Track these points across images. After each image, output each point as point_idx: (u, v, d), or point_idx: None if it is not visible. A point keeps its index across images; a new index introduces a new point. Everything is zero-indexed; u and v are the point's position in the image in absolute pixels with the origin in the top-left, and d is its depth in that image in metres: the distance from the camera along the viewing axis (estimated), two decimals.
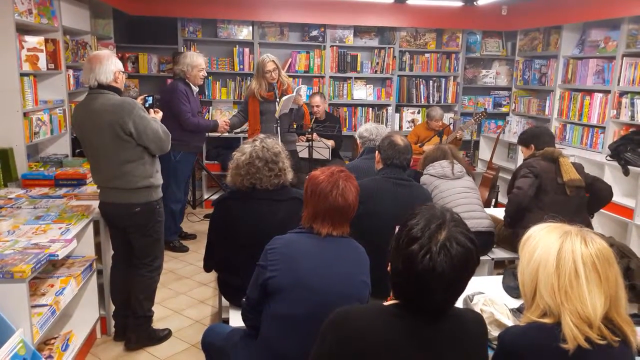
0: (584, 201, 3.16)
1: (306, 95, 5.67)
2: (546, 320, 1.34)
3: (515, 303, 2.12)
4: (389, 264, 1.35)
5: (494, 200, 4.91)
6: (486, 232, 3.12)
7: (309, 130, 4.42)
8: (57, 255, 2.28)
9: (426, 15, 5.90)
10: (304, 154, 4.55)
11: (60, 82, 3.91)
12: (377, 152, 2.88)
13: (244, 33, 5.88)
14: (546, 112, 5.65)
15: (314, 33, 5.98)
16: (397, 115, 6.31)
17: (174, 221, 4.50)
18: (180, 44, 5.74)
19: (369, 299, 1.89)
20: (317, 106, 5.30)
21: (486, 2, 5.54)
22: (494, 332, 1.75)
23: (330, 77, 6.05)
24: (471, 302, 1.97)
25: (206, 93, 5.87)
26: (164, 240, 3.06)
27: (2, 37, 3.16)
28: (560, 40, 5.37)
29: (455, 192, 3.17)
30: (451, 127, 5.78)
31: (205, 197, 5.85)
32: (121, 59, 5.51)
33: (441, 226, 1.27)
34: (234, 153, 2.55)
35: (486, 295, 1.98)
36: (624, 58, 4.57)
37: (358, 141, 3.65)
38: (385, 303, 1.39)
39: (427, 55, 6.25)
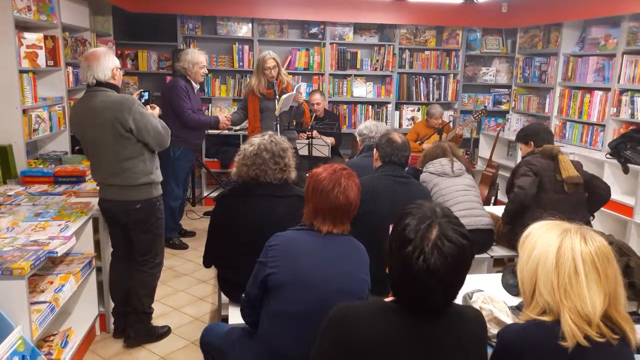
0: (582, 199, 3.16)
1: (306, 93, 5.67)
2: (545, 318, 1.34)
3: (515, 301, 2.12)
4: (387, 265, 1.36)
5: (493, 198, 4.91)
6: (486, 229, 3.12)
7: (309, 127, 4.41)
8: (56, 252, 2.27)
9: (426, 12, 5.89)
10: (303, 151, 4.54)
11: (60, 79, 3.91)
12: (375, 149, 2.88)
13: (244, 30, 5.87)
14: (546, 110, 5.65)
15: (314, 30, 5.97)
16: (397, 112, 6.30)
17: (173, 218, 4.49)
18: (180, 41, 5.73)
19: (368, 296, 1.90)
20: (317, 104, 5.29)
21: (486, 0, 5.52)
22: (493, 330, 1.75)
23: (330, 74, 6.05)
24: (470, 299, 1.97)
25: (206, 90, 5.87)
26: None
27: (1, 34, 3.15)
28: (561, 38, 5.37)
29: (455, 189, 3.17)
30: (451, 124, 5.78)
31: (205, 194, 5.85)
32: (120, 56, 5.57)
33: (431, 224, 1.27)
34: (242, 146, 2.58)
35: (485, 293, 1.98)
36: (624, 56, 4.57)
37: (358, 139, 3.65)
38: (386, 300, 1.39)
39: (427, 52, 6.24)
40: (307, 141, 4.46)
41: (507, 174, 3.34)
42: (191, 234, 4.83)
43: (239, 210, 2.49)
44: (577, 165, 3.19)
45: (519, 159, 4.68)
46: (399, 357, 1.30)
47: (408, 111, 6.35)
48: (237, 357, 1.95)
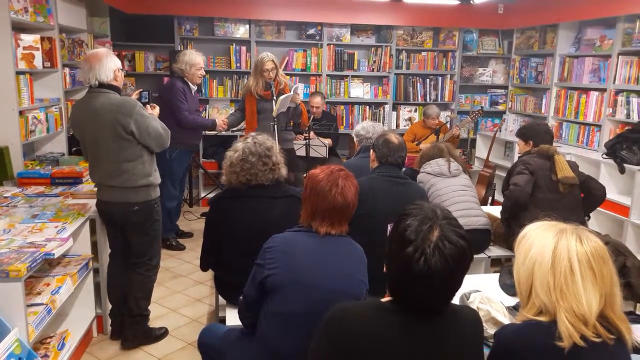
0: (578, 199, 3.17)
1: (304, 94, 5.67)
2: (542, 318, 1.34)
3: (512, 301, 2.12)
4: (385, 265, 1.36)
5: (490, 198, 4.92)
6: (483, 230, 3.13)
7: (307, 129, 4.41)
8: (53, 254, 2.27)
9: (423, 13, 5.90)
10: (301, 152, 4.55)
11: (57, 80, 3.90)
12: (371, 150, 2.89)
13: (241, 31, 5.87)
14: (542, 110, 5.66)
15: (311, 31, 5.98)
16: (394, 113, 6.31)
17: (170, 219, 4.49)
18: (177, 42, 5.73)
19: (365, 297, 1.90)
20: (317, 107, 5.30)
21: (483, 1, 5.54)
22: (490, 330, 1.76)
23: (327, 75, 6.05)
24: (468, 300, 1.97)
25: (203, 91, 5.86)
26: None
27: None
28: (557, 39, 5.39)
29: (452, 190, 3.18)
30: (448, 125, 5.79)
31: (202, 195, 5.84)
32: (117, 57, 5.52)
33: (433, 226, 1.28)
34: (226, 152, 2.55)
35: (483, 293, 1.98)
36: (620, 56, 4.59)
37: (355, 139, 3.66)
38: (382, 300, 1.39)
39: (423, 53, 6.25)
40: (304, 142, 4.47)
41: (504, 174, 3.34)
42: (188, 234, 4.82)
43: (234, 213, 2.49)
44: (573, 165, 3.20)
45: (515, 159, 4.70)
46: (396, 358, 1.30)
47: (405, 112, 6.36)
48: (235, 358, 1.95)
